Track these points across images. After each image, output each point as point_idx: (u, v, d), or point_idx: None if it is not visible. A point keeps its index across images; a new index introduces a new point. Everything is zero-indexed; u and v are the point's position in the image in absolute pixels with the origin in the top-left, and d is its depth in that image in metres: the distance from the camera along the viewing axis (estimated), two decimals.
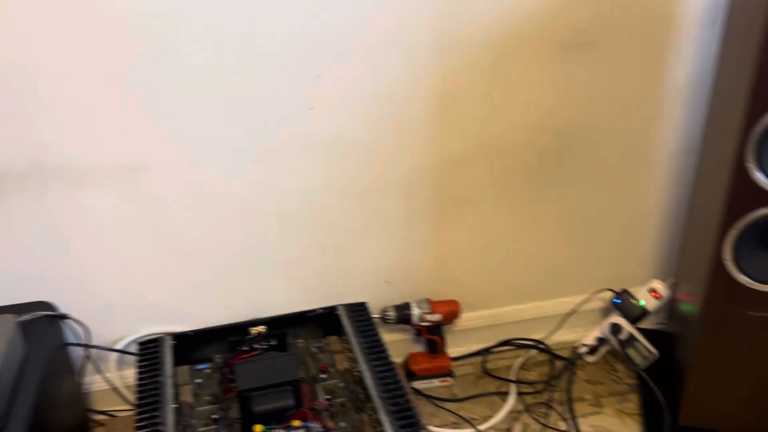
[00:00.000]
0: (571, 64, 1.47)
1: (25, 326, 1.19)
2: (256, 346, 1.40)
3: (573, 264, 1.72)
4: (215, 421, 1.23)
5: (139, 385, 1.25)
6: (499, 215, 1.61)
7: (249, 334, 1.40)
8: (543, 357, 1.71)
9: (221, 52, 1.29)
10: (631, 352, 1.61)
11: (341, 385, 1.31)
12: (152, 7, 1.22)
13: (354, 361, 1.33)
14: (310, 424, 1.18)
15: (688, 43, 1.50)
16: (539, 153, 1.56)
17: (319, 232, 1.50)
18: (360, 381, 1.29)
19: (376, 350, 1.33)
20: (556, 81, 1.48)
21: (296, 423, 1.19)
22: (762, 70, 1.09)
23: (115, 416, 1.51)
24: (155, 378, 1.26)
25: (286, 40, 1.31)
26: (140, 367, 1.29)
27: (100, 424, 1.50)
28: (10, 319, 1.14)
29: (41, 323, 1.27)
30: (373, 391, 1.23)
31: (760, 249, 1.25)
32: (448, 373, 1.62)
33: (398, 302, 1.59)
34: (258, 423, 1.18)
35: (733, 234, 1.22)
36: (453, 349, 1.71)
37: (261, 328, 1.40)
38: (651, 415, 1.49)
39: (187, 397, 1.29)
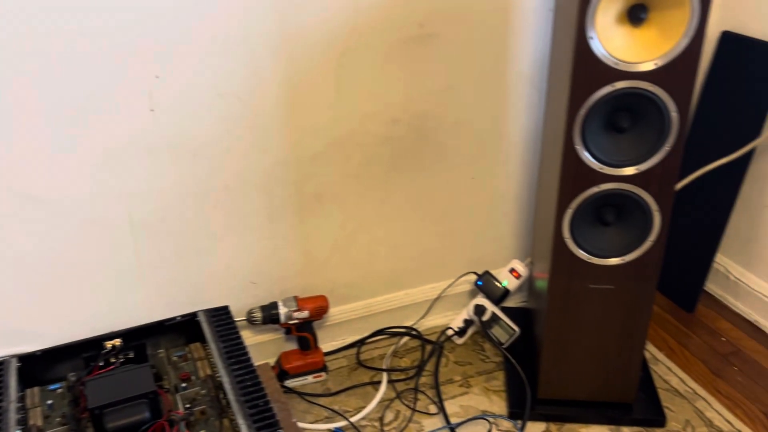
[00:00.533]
0: (417, 56, 1.50)
1: None
2: (113, 360, 1.35)
3: (438, 250, 1.76)
4: None
5: None
6: (362, 207, 1.62)
7: (104, 348, 1.35)
8: (415, 343, 1.75)
9: (50, 52, 1.22)
10: (495, 330, 1.68)
11: (203, 392, 1.29)
12: None
13: (215, 367, 1.31)
14: None
15: (528, 32, 1.57)
16: (395, 144, 1.58)
17: (175, 236, 1.47)
18: (221, 386, 1.27)
19: (236, 354, 1.31)
20: (404, 73, 1.51)
21: None
22: (579, 56, 1.15)
23: None
24: None
25: (120, 42, 1.26)
26: None
27: None
28: None
29: None
30: (231, 395, 1.21)
31: (595, 225, 1.32)
32: (322, 368, 1.63)
33: (266, 302, 1.58)
34: None
35: (569, 213, 1.29)
36: (328, 344, 1.72)
37: (116, 341, 1.35)
38: (514, 390, 1.55)
39: (37, 420, 1.23)
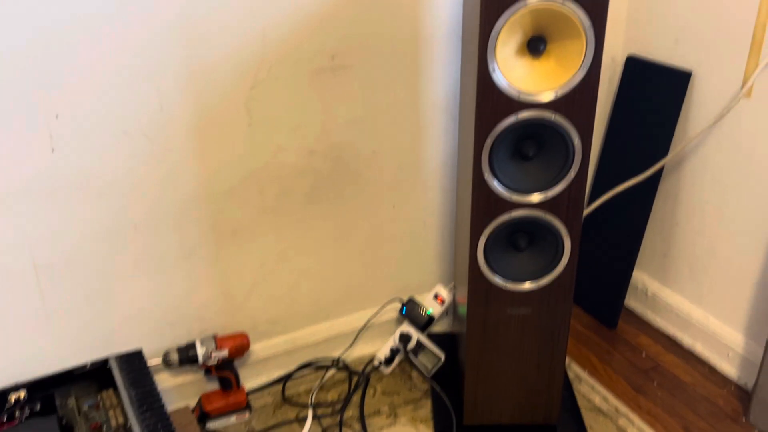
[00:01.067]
0: (330, 87, 1.50)
1: None
2: (18, 414, 1.28)
3: (363, 278, 1.75)
4: None
5: None
6: (282, 240, 1.60)
7: (7, 402, 1.27)
8: (342, 375, 1.73)
9: None
10: (421, 358, 1.67)
11: None
12: None
13: (125, 418, 1.26)
14: None
15: (440, 60, 1.59)
16: (312, 175, 1.57)
17: (83, 279, 1.41)
18: None
19: (148, 401, 1.26)
20: (318, 104, 1.50)
21: None
22: (482, 87, 1.17)
23: None
24: None
25: (16, 80, 1.21)
26: None
27: None
28: None
29: None
30: None
31: (509, 251, 1.33)
32: (245, 408, 1.59)
33: (184, 342, 1.53)
34: None
35: (482, 240, 1.30)
36: (251, 381, 1.67)
37: (21, 394, 1.29)
38: (440, 418, 1.55)
39: None
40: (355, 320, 1.78)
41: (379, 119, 1.58)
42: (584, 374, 1.71)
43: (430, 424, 1.57)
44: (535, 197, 1.25)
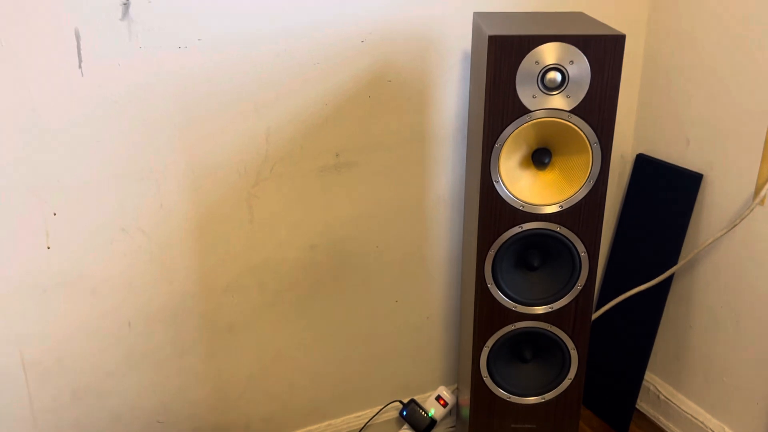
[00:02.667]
0: (334, 183, 1.48)
1: None
2: None
3: (362, 376, 1.69)
4: None
5: None
6: (279, 335, 1.55)
7: None
8: None
9: None
10: None
11: None
12: None
13: None
14: None
15: (445, 159, 1.57)
16: (314, 270, 1.53)
17: (73, 377, 1.36)
18: None
19: None
20: (321, 200, 1.48)
21: None
22: (486, 198, 1.14)
23: None
24: None
25: (10, 178, 1.20)
26: None
27: None
28: None
29: None
30: None
31: (513, 362, 1.28)
32: None
33: None
34: None
35: (486, 351, 1.25)
36: None
37: None
38: None
39: None
40: (353, 420, 1.71)
41: (383, 214, 1.56)
42: None
43: None
44: (540, 309, 1.21)
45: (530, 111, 1.07)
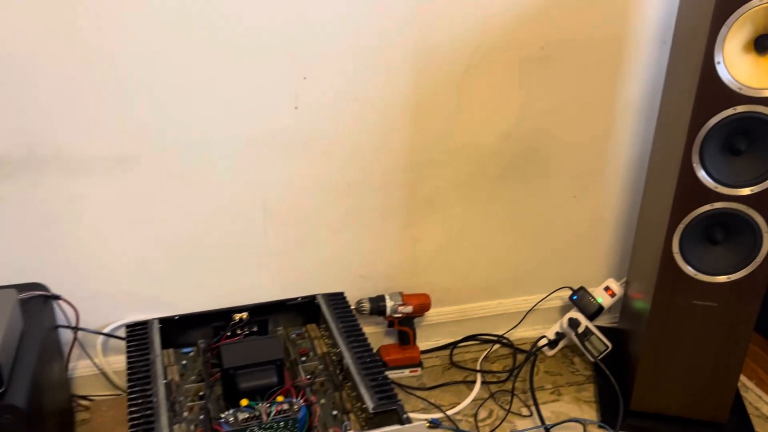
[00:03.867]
0: (534, 76, 1.61)
1: (22, 304, 1.25)
2: (239, 331, 1.47)
3: (534, 265, 1.84)
4: (201, 397, 1.30)
5: (130, 363, 1.31)
6: (467, 216, 1.72)
7: (232, 319, 1.47)
8: (506, 351, 1.82)
9: (210, 51, 1.38)
10: (588, 344, 1.73)
11: (320, 367, 1.40)
12: (143, 6, 1.31)
13: (333, 345, 1.42)
14: (293, 399, 1.26)
15: (640, 61, 1.65)
16: (504, 158, 1.68)
17: (299, 225, 1.59)
18: (338, 362, 1.38)
19: (354, 334, 1.42)
20: (520, 91, 1.62)
21: (280, 398, 1.26)
22: (704, 79, 1.23)
23: (96, 400, 1.56)
24: (145, 356, 1.33)
25: (274, 43, 1.41)
26: (130, 347, 1.35)
27: (84, 407, 1.54)
28: (13, 294, 1.19)
29: (36, 303, 1.32)
30: (353, 368, 1.31)
31: (703, 243, 1.38)
32: (418, 364, 1.72)
33: (372, 295, 1.69)
34: (243, 398, 1.25)
35: (680, 228, 1.36)
36: (422, 343, 1.80)
37: (243, 315, 1.48)
38: (606, 401, 1.60)
39: (174, 376, 1.35)
40: (521, 302, 1.87)
41: (572, 111, 1.67)
42: (751, 384, 1.71)
43: (594, 406, 1.63)
44: (741, 191, 1.30)
45: None
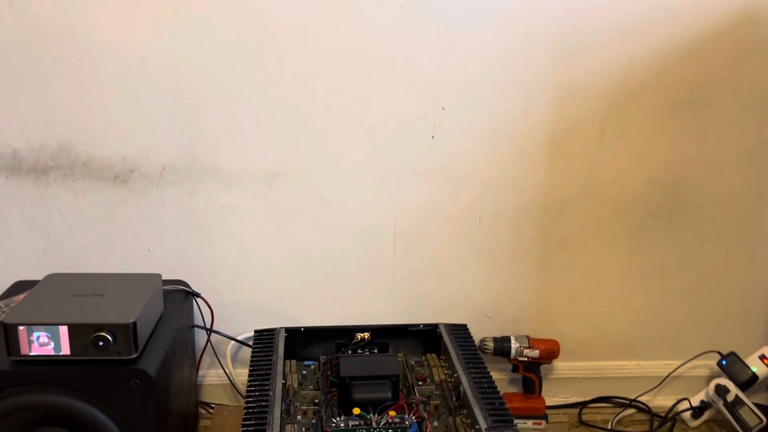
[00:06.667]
0: (683, 119, 1.55)
1: (165, 295, 1.35)
2: (359, 351, 1.48)
3: (679, 325, 1.70)
4: (316, 404, 1.31)
5: (253, 362, 1.35)
6: (605, 262, 1.64)
7: (354, 338, 1.48)
8: (642, 416, 1.67)
9: (355, 80, 1.47)
10: (737, 416, 1.55)
11: (437, 392, 1.36)
12: (304, 44, 1.44)
13: (451, 370, 1.38)
14: (405, 416, 1.23)
15: None
16: (647, 204, 1.61)
17: (428, 254, 1.60)
18: (455, 388, 1.33)
19: (474, 362, 1.37)
20: (667, 134, 1.56)
21: (392, 413, 1.24)
22: None
23: (219, 406, 1.61)
24: (269, 357, 1.37)
25: (415, 73, 1.48)
26: (255, 349, 1.40)
27: (208, 411, 1.60)
28: (158, 279, 1.30)
29: (177, 297, 1.42)
30: (469, 392, 1.26)
31: None
32: (543, 416, 1.62)
33: (499, 335, 1.63)
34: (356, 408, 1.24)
35: None
36: (549, 398, 1.70)
37: (366, 334, 1.49)
38: None
39: (293, 383, 1.37)
40: (661, 366, 1.72)
41: (726, 159, 1.58)
42: None
43: None
44: None
45: None
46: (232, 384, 1.62)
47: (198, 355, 1.58)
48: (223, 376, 1.63)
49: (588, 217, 1.61)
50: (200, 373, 1.62)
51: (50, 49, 1.40)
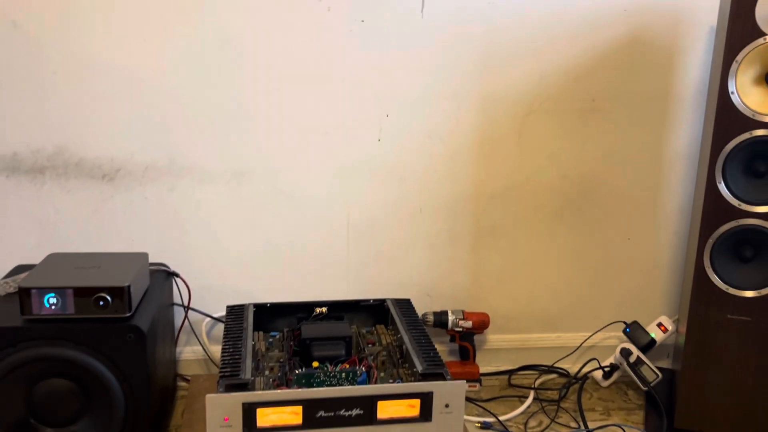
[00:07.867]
0: (587, 124, 1.85)
1: (150, 273, 1.57)
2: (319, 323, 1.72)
3: (591, 300, 1.99)
4: (281, 362, 1.54)
5: (226, 330, 1.58)
6: (528, 247, 1.93)
7: (313, 312, 1.73)
8: (562, 380, 1.95)
9: (311, 92, 1.74)
10: (638, 373, 1.83)
11: (384, 353, 1.61)
12: (272, 64, 1.70)
13: (396, 334, 1.63)
14: (357, 368, 1.47)
15: (683, 116, 1.87)
16: (562, 196, 1.90)
17: (376, 243, 1.86)
18: (399, 347, 1.58)
19: (415, 325, 1.63)
20: (575, 137, 1.86)
21: (346, 365, 1.48)
22: (721, 107, 1.44)
23: (195, 376, 1.83)
24: (239, 326, 1.60)
25: (365, 87, 1.75)
26: (228, 320, 1.63)
27: (186, 382, 1.82)
28: (146, 257, 1.52)
29: (159, 277, 1.65)
30: (409, 347, 1.52)
31: (734, 260, 1.52)
32: (477, 380, 1.88)
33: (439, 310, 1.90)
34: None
35: (710, 244, 1.51)
36: (482, 367, 1.96)
37: (323, 309, 1.73)
38: (652, 422, 1.69)
39: (261, 347, 1.61)
40: (580, 338, 2.00)
41: (623, 159, 1.89)
42: None
43: (641, 426, 1.71)
44: (763, 209, 1.45)
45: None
46: (208, 356, 1.84)
47: (176, 332, 1.80)
48: (198, 351, 1.85)
49: (512, 207, 1.89)
50: (177, 349, 1.84)
51: (48, 64, 1.64)
